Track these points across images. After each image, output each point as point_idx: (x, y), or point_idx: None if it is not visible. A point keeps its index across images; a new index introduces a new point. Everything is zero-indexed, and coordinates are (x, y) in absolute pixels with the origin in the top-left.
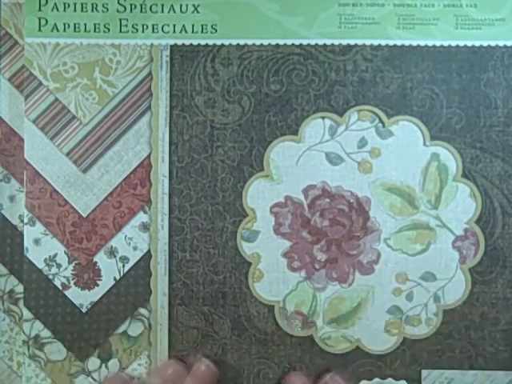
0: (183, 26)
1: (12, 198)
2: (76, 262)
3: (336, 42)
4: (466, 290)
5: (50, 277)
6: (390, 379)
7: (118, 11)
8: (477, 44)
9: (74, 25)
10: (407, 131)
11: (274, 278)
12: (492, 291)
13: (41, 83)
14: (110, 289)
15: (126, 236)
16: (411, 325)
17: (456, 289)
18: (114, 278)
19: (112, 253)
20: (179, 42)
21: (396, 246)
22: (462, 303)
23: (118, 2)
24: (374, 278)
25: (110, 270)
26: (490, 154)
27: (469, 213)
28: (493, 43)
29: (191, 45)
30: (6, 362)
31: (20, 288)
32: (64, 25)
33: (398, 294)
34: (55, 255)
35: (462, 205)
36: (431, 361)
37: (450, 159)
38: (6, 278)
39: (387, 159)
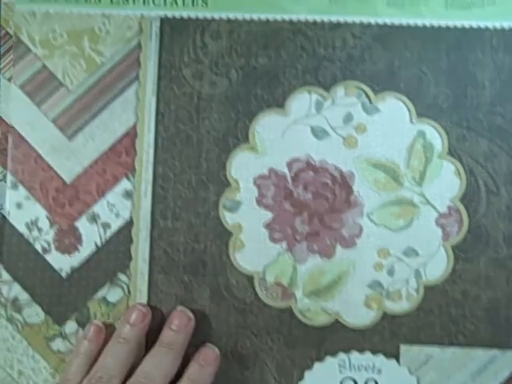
0: None
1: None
2: (57, 226)
3: (325, 19)
4: (447, 267)
5: (31, 241)
6: (368, 353)
7: None
8: (466, 25)
9: None
10: (393, 108)
11: (255, 249)
12: (474, 269)
13: (29, 49)
14: (91, 254)
15: (108, 202)
16: (391, 300)
17: (438, 265)
18: (95, 244)
19: (94, 219)
20: (169, 15)
21: (379, 221)
22: (443, 280)
23: None
24: (355, 251)
25: (91, 236)
26: (476, 134)
27: (453, 190)
28: (482, 24)
29: (181, 18)
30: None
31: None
32: None
33: (379, 269)
34: (37, 219)
35: (446, 182)
36: (411, 336)
37: (436, 137)
38: None
39: (373, 135)
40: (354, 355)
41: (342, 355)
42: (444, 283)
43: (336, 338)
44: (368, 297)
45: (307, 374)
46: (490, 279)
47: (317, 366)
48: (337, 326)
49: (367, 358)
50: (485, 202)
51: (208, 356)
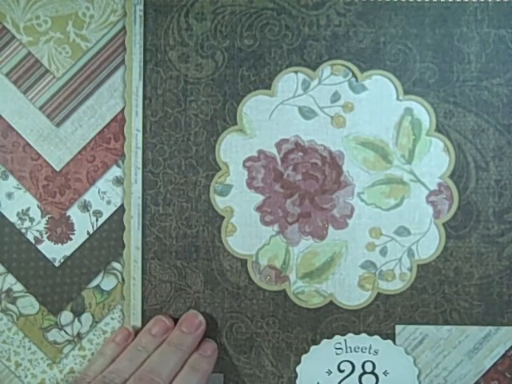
0: None
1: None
2: (49, 216)
3: None
4: (440, 244)
5: (23, 231)
6: (363, 334)
7: None
8: None
9: None
10: (380, 86)
11: (247, 232)
12: (466, 246)
13: (14, 37)
14: (83, 243)
15: (99, 190)
16: (385, 280)
17: (430, 244)
18: (88, 232)
19: (85, 207)
20: None
21: (370, 201)
22: (436, 258)
23: None
24: (347, 232)
25: (83, 224)
26: (463, 109)
27: (442, 167)
28: None
29: (165, 0)
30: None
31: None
32: None
33: (372, 249)
34: (28, 209)
35: (435, 159)
36: (405, 316)
37: (424, 114)
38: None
39: (360, 113)
40: (350, 337)
41: (338, 338)
42: (436, 261)
43: (331, 319)
44: (361, 277)
45: (304, 357)
46: (481, 256)
47: (313, 349)
48: (331, 307)
49: (363, 339)
50: (474, 178)
51: (207, 348)
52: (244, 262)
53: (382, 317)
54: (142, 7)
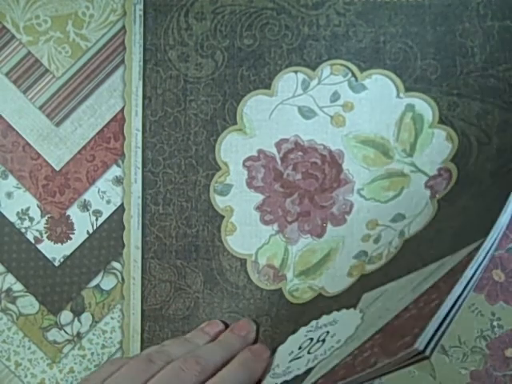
0: None
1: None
2: (49, 215)
3: None
4: (430, 217)
5: (23, 230)
6: (334, 312)
7: None
8: None
9: None
10: (380, 84)
11: (247, 232)
12: (455, 208)
13: (14, 36)
14: (83, 242)
15: (99, 189)
16: (372, 263)
17: (422, 220)
18: (87, 232)
19: (85, 206)
20: None
21: (369, 196)
22: (422, 228)
23: None
24: (345, 228)
25: (83, 224)
26: (467, 98)
27: (444, 154)
28: None
29: None
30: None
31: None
32: None
33: (367, 240)
34: (28, 209)
35: (437, 148)
36: (376, 285)
37: (426, 108)
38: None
39: (360, 113)
40: (323, 318)
41: (312, 322)
42: (422, 231)
43: (314, 309)
44: (352, 267)
45: (279, 348)
46: (467, 210)
47: (290, 339)
48: (318, 298)
49: (332, 316)
50: (475, 154)
51: (261, 351)
52: (243, 262)
53: (355, 292)
54: (141, 7)
